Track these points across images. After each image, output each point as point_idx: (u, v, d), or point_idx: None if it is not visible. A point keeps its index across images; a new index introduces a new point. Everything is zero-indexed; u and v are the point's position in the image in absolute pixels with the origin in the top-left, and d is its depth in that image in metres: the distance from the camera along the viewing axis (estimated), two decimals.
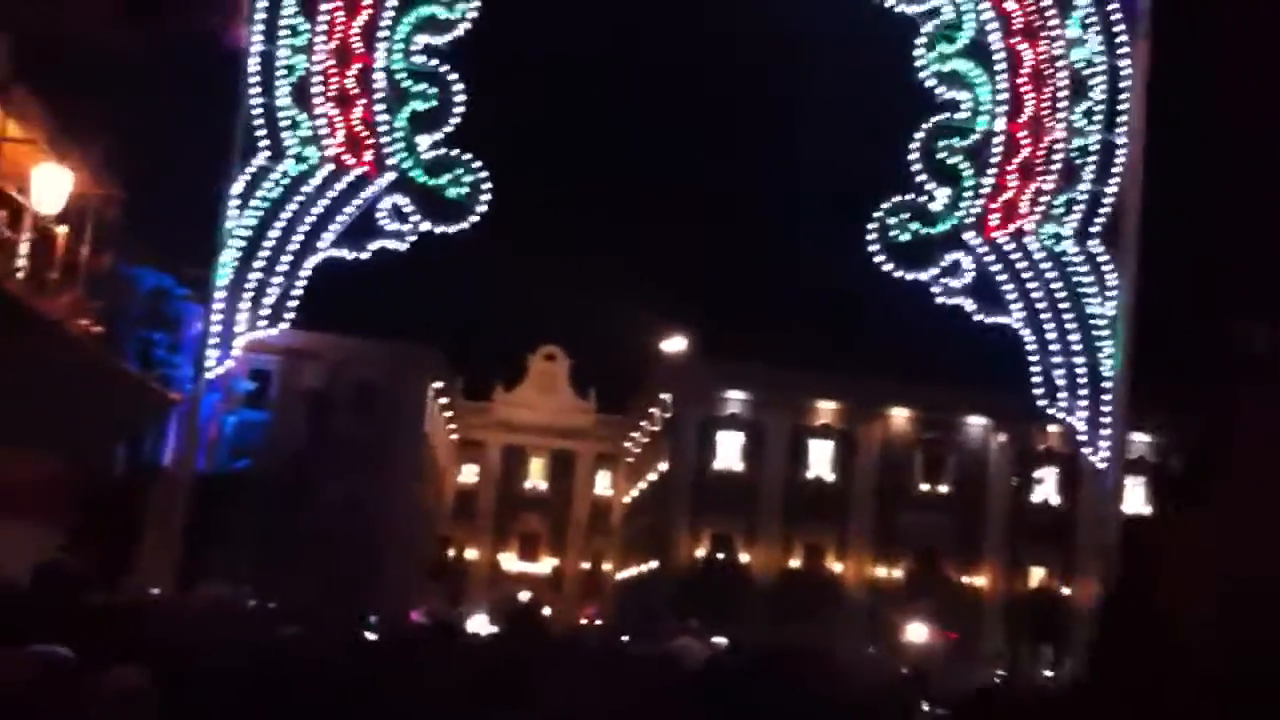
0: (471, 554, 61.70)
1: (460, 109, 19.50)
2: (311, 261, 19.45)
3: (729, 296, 56.68)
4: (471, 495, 63.11)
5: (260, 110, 19.25)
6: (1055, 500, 47.50)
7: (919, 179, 20.19)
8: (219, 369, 19.68)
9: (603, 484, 64.24)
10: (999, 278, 20.27)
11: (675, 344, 46.78)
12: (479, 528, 62.28)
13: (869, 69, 21.46)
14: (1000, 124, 20.04)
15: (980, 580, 48.37)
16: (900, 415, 49.16)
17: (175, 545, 19.34)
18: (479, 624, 34.87)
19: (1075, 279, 20.10)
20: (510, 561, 62.83)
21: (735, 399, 49.27)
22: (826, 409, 49.16)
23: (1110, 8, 19.70)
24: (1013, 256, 20.20)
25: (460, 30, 19.66)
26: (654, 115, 67.40)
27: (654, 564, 49.93)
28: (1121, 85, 19.69)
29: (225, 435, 38.93)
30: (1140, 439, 36.37)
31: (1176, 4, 19.05)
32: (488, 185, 19.60)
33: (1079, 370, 20.25)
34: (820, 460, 49.16)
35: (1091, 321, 20.19)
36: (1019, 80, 19.97)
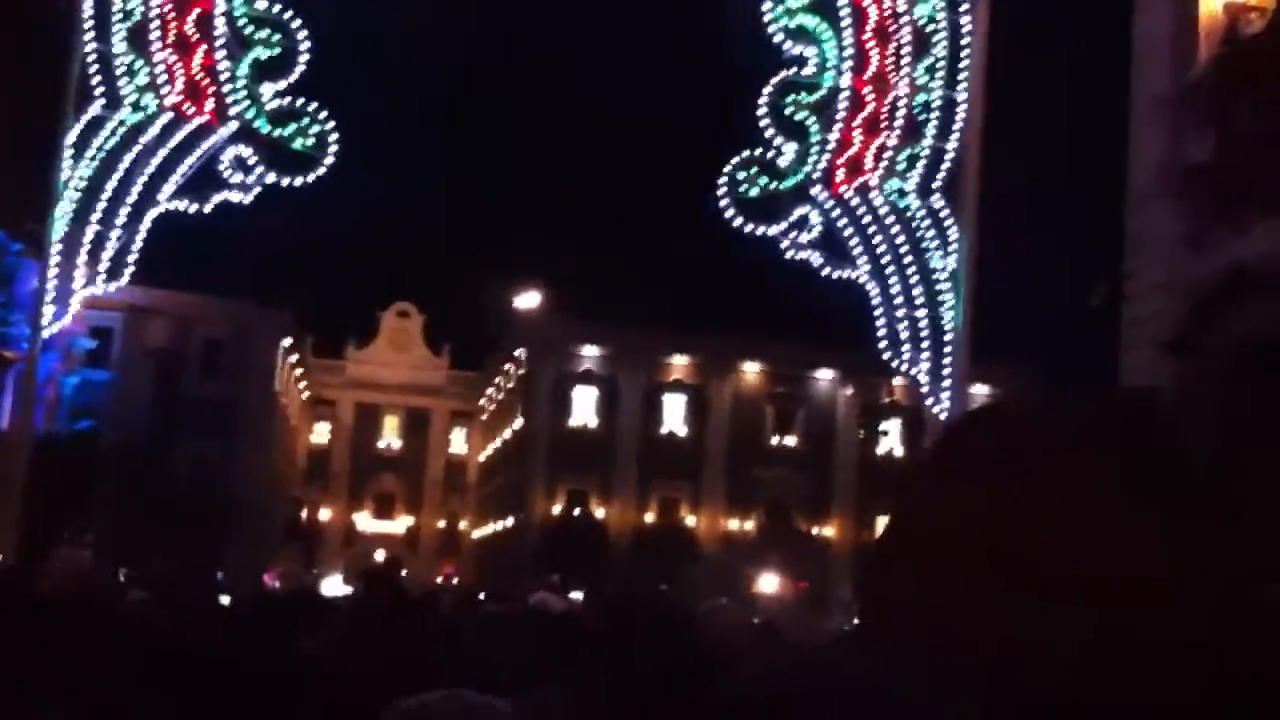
0: (325, 514, 61.07)
1: (305, 57, 19.15)
2: (151, 214, 18.94)
3: (583, 252, 56.72)
4: (324, 455, 62.36)
5: (95, 57, 18.64)
6: (900, 452, 48.75)
7: (767, 134, 20.46)
8: (55, 326, 19.11)
9: (458, 442, 63.99)
10: (845, 232, 20.66)
11: (529, 300, 46.74)
12: (333, 488, 61.60)
13: (717, 27, 21.61)
14: (846, 80, 20.37)
15: (829, 531, 49.48)
16: (751, 370, 49.91)
17: (15, 511, 18.79)
18: (334, 585, 34.55)
19: (918, 234, 20.58)
20: (365, 521, 62.31)
21: (590, 355, 49.46)
22: (680, 364, 49.67)
23: None
24: (858, 211, 20.59)
25: None
26: (508, 70, 66.88)
27: (511, 521, 50.01)
28: (963, 42, 20.16)
29: (65, 396, 37.83)
30: (980, 391, 37.49)
31: None
32: (335, 136, 19.31)
33: (921, 324, 20.77)
34: (674, 415, 49.69)
35: (933, 276, 20.70)
36: (863, 36, 20.30)
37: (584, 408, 49.47)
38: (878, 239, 20.48)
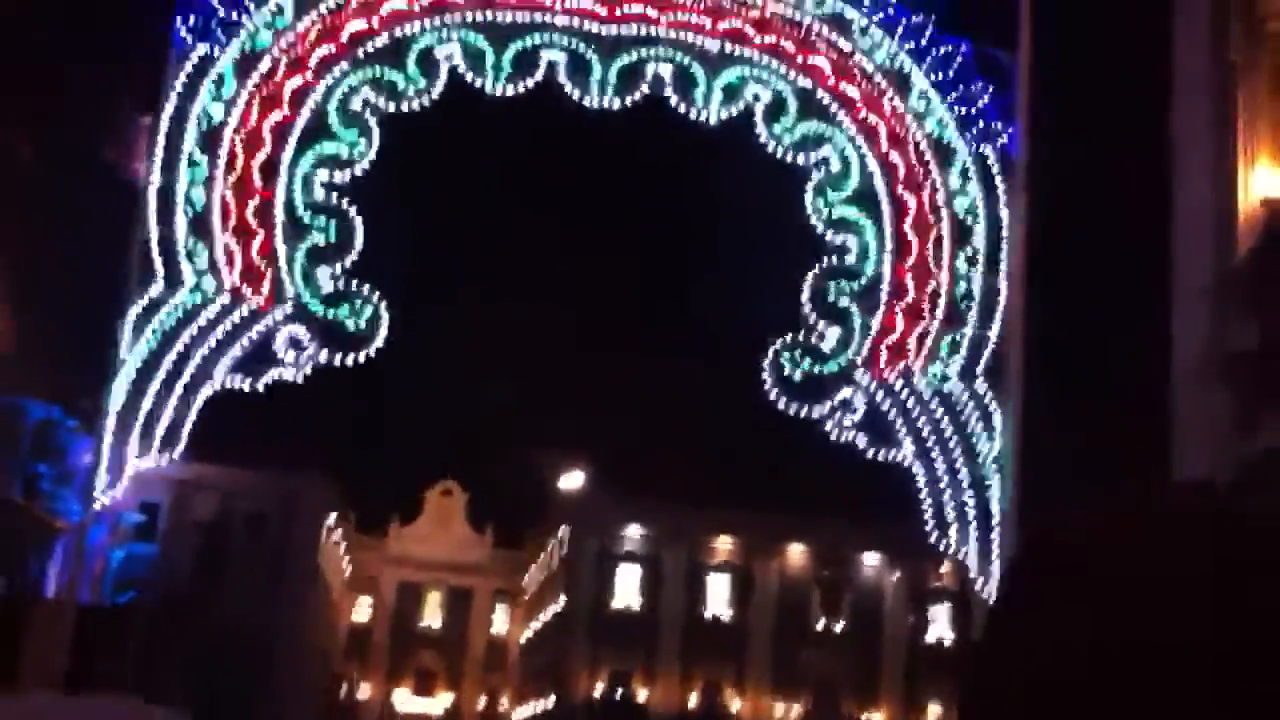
0: (364, 692, 60.30)
1: (359, 243, 19.72)
2: (205, 392, 19.33)
3: (628, 432, 56.95)
4: (366, 632, 61.90)
5: (157, 238, 19.27)
6: (949, 636, 47.81)
7: (810, 319, 20.76)
8: (106, 499, 19.35)
9: (500, 620, 63.42)
10: (889, 415, 20.75)
11: (573, 479, 46.80)
12: (373, 664, 60.98)
13: (762, 214, 22.13)
14: (887, 267, 20.72)
15: (878, 717, 48.28)
16: (797, 551, 49.42)
17: (56, 679, 18.78)
18: None
19: (962, 417, 20.64)
20: (404, 699, 61.47)
21: (633, 534, 49.21)
22: (724, 545, 49.28)
23: (989, 161, 20.61)
24: (902, 395, 20.73)
25: (359, 168, 19.98)
26: (552, 249, 68.23)
27: (552, 701, 49.19)
28: (1003, 232, 20.51)
29: (111, 569, 37.96)
30: None
31: (1050, 152, 19.97)
32: (385, 316, 19.75)
33: (968, 505, 20.68)
34: (718, 596, 49.09)
35: (979, 458, 20.68)
36: (904, 227, 20.72)
37: (627, 587, 49.03)
38: (921, 421, 20.57)
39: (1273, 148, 13.05)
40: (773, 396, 20.71)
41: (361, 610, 62.51)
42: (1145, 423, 14.60)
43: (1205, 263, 13.89)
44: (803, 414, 20.76)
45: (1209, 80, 13.91)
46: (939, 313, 20.66)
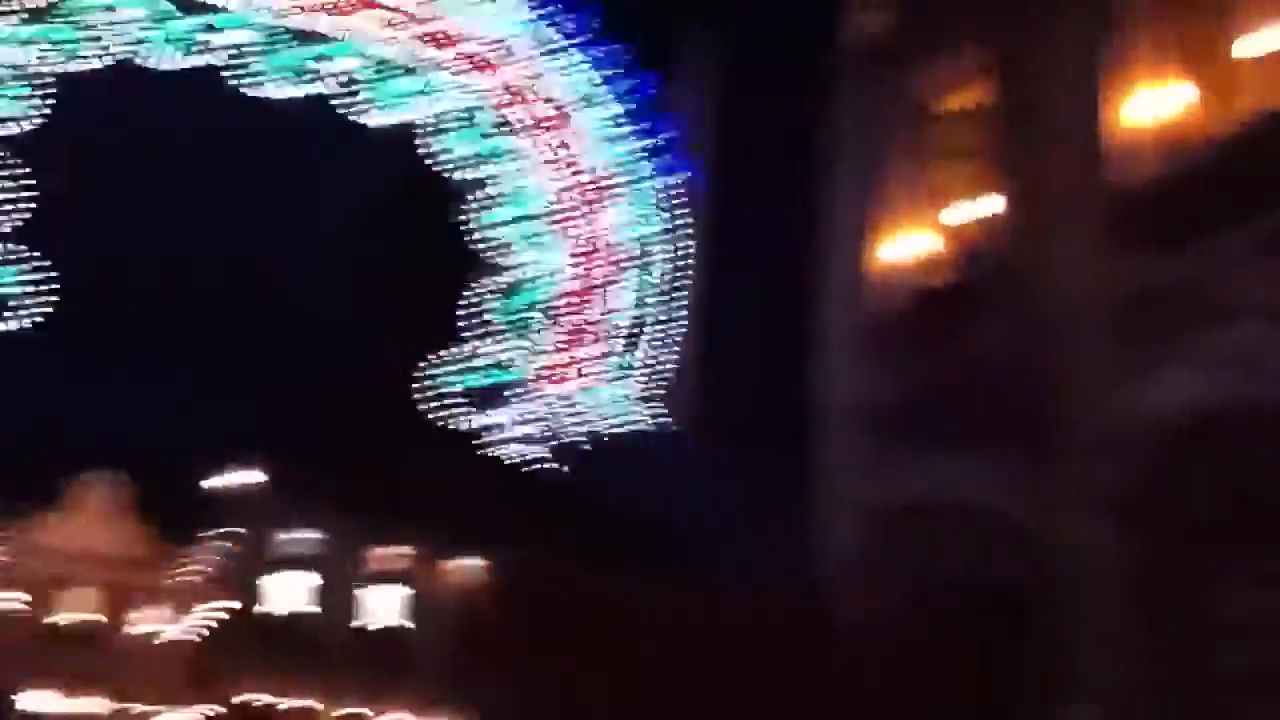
0: None
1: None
2: None
3: (298, 434, 55.16)
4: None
5: None
6: None
7: (481, 333, 20.87)
8: None
9: (151, 618, 60.48)
10: (560, 430, 21.11)
11: (238, 476, 45.09)
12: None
13: (436, 227, 22.03)
14: (562, 287, 21.12)
15: None
16: (467, 564, 49.19)
17: None
18: None
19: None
20: (45, 701, 57.86)
21: (299, 537, 47.82)
22: (391, 554, 48.48)
23: (668, 191, 21.22)
24: (573, 412, 21.08)
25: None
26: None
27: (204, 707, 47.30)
28: (676, 261, 21.18)
29: None
30: None
31: (723, 190, 20.78)
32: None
33: None
34: (384, 606, 48.29)
35: None
36: (583, 249, 21.17)
37: (288, 592, 47.54)
38: (589, 445, 21.00)
39: (910, 211, 14.01)
40: (439, 408, 20.73)
41: None
42: (791, 467, 15.34)
43: (850, 316, 14.70)
44: (470, 427, 20.87)
45: (860, 147, 14.80)
46: (613, 336, 21.11)
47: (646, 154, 21.16)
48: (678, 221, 21.24)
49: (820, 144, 15.41)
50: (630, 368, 21.12)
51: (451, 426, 20.63)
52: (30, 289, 18.97)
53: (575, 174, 21.15)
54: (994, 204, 12.68)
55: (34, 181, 19.26)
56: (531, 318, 20.99)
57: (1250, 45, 10.17)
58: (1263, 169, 9.43)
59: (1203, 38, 10.74)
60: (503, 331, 20.89)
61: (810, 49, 15.99)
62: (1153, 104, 10.73)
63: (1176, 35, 10.81)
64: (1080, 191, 11.45)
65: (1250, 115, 10.04)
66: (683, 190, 21.14)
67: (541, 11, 21.48)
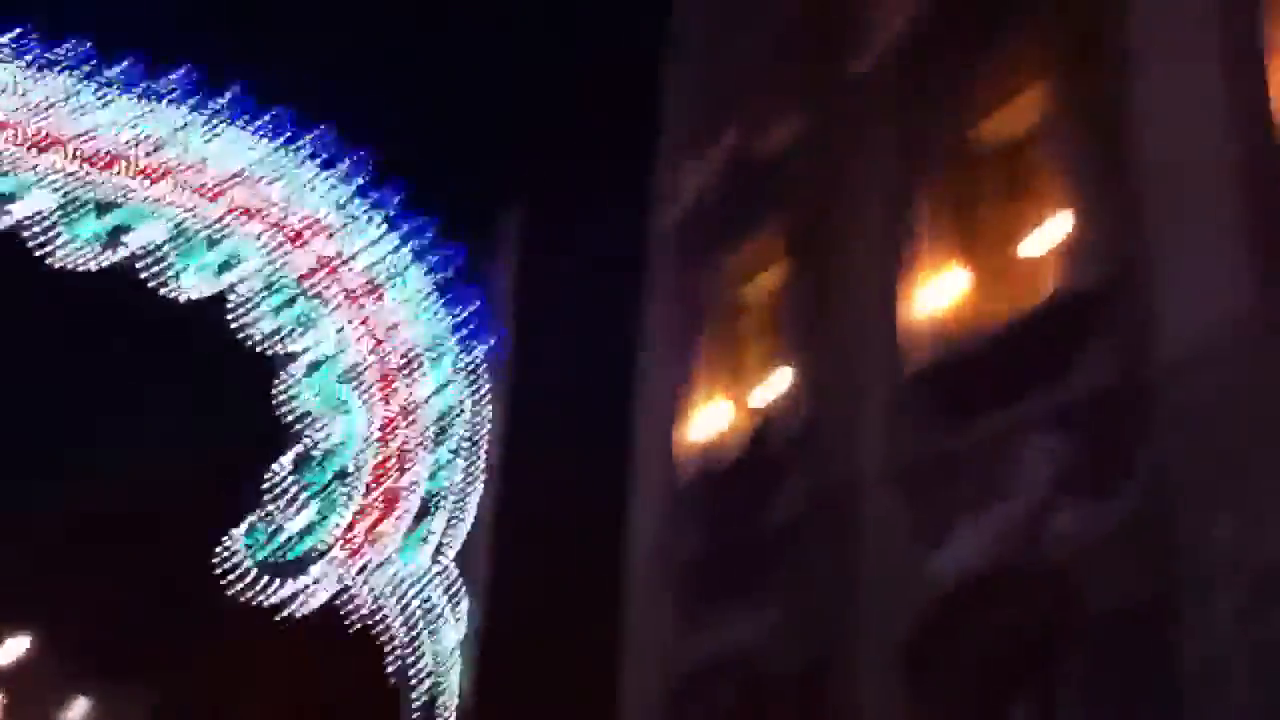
0: None
1: None
2: None
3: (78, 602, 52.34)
4: None
5: None
6: None
7: (283, 500, 20.65)
8: None
9: None
10: (357, 599, 20.86)
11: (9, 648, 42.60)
12: None
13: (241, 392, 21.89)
14: (367, 455, 21.10)
15: None
16: None
17: None
18: None
19: (427, 606, 21.07)
20: None
21: (79, 711, 45.13)
22: None
23: (474, 362, 21.61)
24: (370, 581, 20.92)
25: None
26: None
27: None
28: (481, 431, 21.46)
29: None
30: None
31: (532, 364, 21.27)
32: None
33: (434, 695, 20.97)
34: None
35: (439, 651, 21.13)
36: (387, 416, 21.24)
37: None
38: (387, 609, 20.79)
39: (717, 383, 14.75)
40: (235, 577, 20.30)
41: None
42: (599, 628, 15.60)
43: (659, 481, 15.24)
44: (268, 593, 20.47)
45: (671, 323, 15.56)
46: (414, 503, 21.16)
47: (454, 326, 21.61)
48: (483, 393, 21.64)
49: (631, 319, 16.13)
50: (427, 538, 21.18)
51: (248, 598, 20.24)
52: None
53: (383, 345, 21.41)
54: (796, 379, 13.45)
55: None
56: (334, 487, 20.93)
57: (1030, 240, 11.26)
58: (1039, 353, 10.33)
59: (987, 231, 11.83)
60: (304, 501, 20.76)
61: (623, 227, 16.83)
62: (942, 290, 11.68)
63: (964, 228, 11.87)
64: (876, 369, 12.25)
65: (1027, 303, 11.05)
66: (489, 362, 21.61)
67: (352, 185, 21.97)
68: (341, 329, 21.45)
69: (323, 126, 21.67)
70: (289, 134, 21.73)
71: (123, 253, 20.90)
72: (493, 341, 21.51)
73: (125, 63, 22.33)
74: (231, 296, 21.50)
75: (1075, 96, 10.79)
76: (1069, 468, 9.85)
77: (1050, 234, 10.82)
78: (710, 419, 14.70)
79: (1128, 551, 9.20)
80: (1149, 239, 9.73)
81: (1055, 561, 9.80)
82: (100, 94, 21.26)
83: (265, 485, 20.60)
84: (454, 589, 21.03)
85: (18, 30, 20.71)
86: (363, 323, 21.45)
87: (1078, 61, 10.79)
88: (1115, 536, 9.33)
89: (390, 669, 20.86)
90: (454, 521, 21.21)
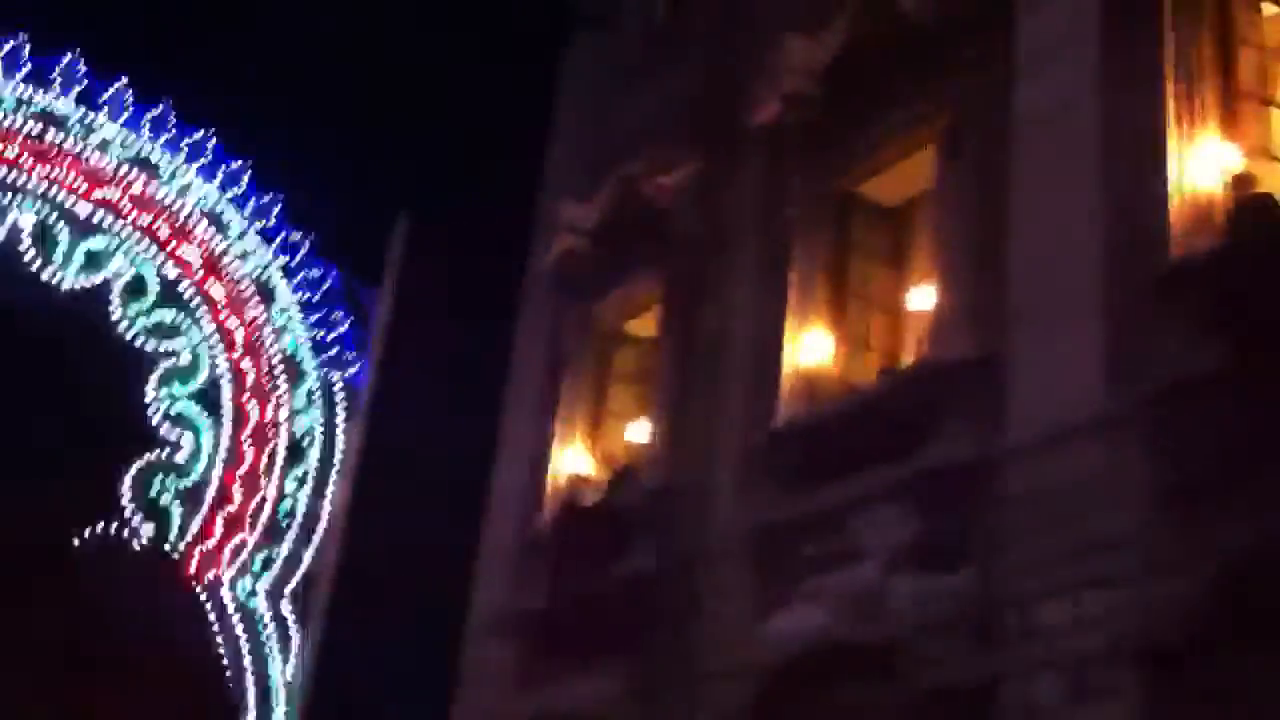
0: None
1: None
2: None
3: None
4: None
5: None
6: None
7: (126, 512, 20.07)
8: None
9: None
10: (190, 625, 20.15)
11: None
12: None
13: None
14: (216, 472, 20.43)
15: None
16: None
17: None
18: None
19: (261, 635, 20.38)
20: None
21: None
22: None
23: (336, 388, 21.07)
24: (207, 603, 20.22)
25: None
26: None
27: None
28: (336, 459, 20.87)
29: None
30: None
31: (396, 395, 20.81)
32: None
33: None
34: None
35: (270, 682, 20.41)
36: (241, 435, 20.61)
37: None
38: (220, 637, 20.05)
39: (579, 430, 14.46)
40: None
41: None
42: (435, 676, 15.15)
43: (511, 525, 14.85)
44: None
45: (540, 364, 15.26)
46: (259, 527, 20.51)
47: (321, 347, 21.09)
48: (342, 419, 21.08)
49: (502, 355, 15.80)
50: (274, 560, 20.54)
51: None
52: None
53: (244, 360, 20.81)
54: (659, 430, 13.20)
55: None
56: (184, 499, 20.31)
57: (901, 307, 11.21)
58: (895, 422, 10.22)
59: (861, 294, 11.79)
60: (157, 510, 20.15)
61: (503, 262, 16.54)
62: (810, 350, 11.56)
63: (838, 289, 11.80)
64: (736, 427, 12.08)
65: (890, 370, 10.96)
66: (353, 386, 21.07)
67: (228, 193, 21.49)
68: (204, 339, 20.87)
69: (205, 131, 21.22)
70: (170, 133, 21.24)
71: None
72: (357, 368, 21.00)
73: (9, 43, 21.77)
74: (98, 295, 21.06)
75: (958, 171, 10.78)
76: (911, 541, 9.73)
77: (920, 303, 10.76)
78: (571, 465, 14.38)
79: (958, 631, 9.08)
80: (1012, 321, 9.72)
81: (890, 636, 9.63)
82: None
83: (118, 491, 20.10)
84: (289, 622, 20.32)
85: None
86: (227, 335, 20.86)
87: (963, 137, 10.81)
88: (948, 614, 9.21)
89: (216, 702, 20.10)
90: (297, 550, 20.55)
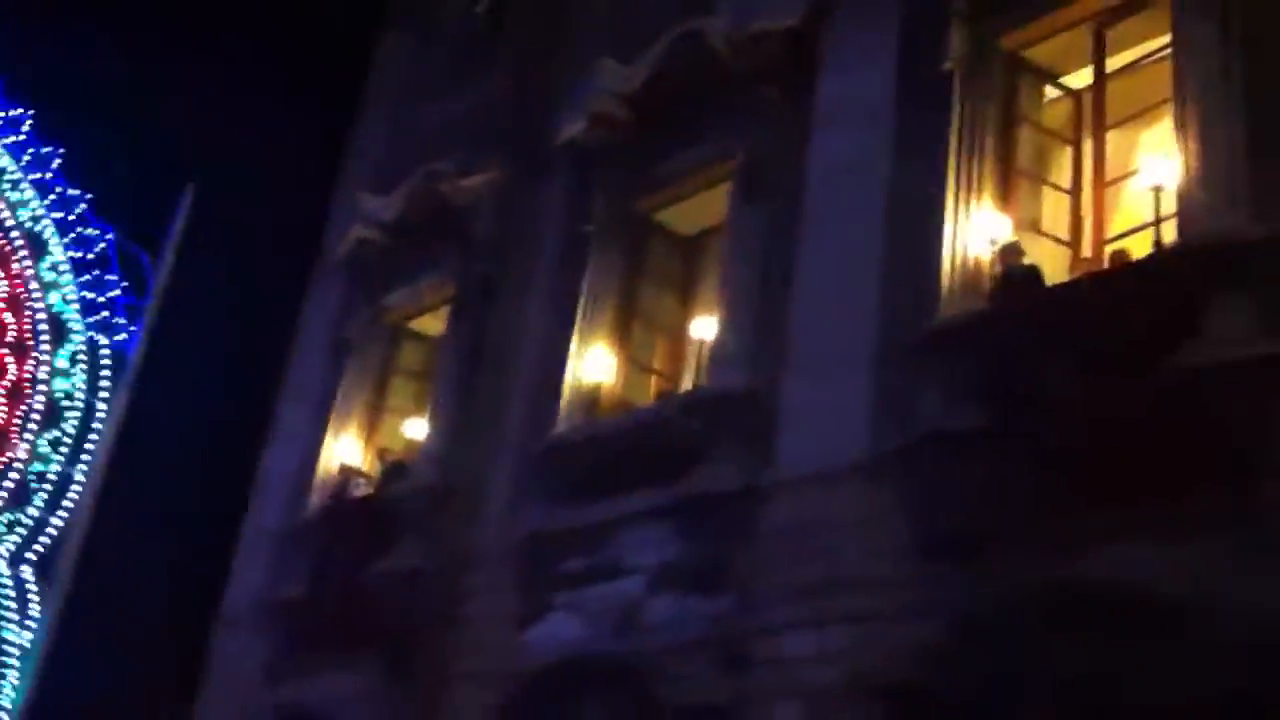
0: None
1: None
2: None
3: None
4: None
5: None
6: None
7: None
8: None
9: None
10: None
11: None
12: None
13: None
14: None
15: None
16: None
17: None
18: None
19: (1, 600, 19.56)
20: None
21: None
22: None
23: (102, 352, 20.36)
24: None
25: None
26: None
27: None
28: (93, 424, 20.14)
29: None
30: None
31: (167, 367, 20.22)
32: None
33: None
34: None
35: (6, 648, 19.60)
36: None
37: None
38: None
39: (356, 423, 14.35)
40: None
41: None
42: (183, 661, 14.78)
43: (278, 511, 14.61)
44: None
45: (322, 351, 15.09)
46: (5, 489, 19.66)
47: (91, 306, 20.33)
48: (105, 382, 20.37)
49: (279, 340, 15.54)
50: (13, 527, 19.70)
51: None
52: None
53: (9, 311, 19.90)
54: (437, 429, 13.21)
55: None
56: None
57: (685, 332, 11.52)
58: (668, 444, 10.50)
59: (648, 316, 12.06)
60: None
61: (293, 247, 16.27)
62: (593, 366, 11.77)
63: (626, 309, 12.04)
64: (513, 435, 12.19)
65: (668, 393, 11.24)
66: (123, 354, 20.38)
67: (6, 139, 20.54)
68: None
69: None
70: None
71: None
72: (128, 335, 20.31)
73: None
74: None
75: (750, 211, 11.13)
76: (673, 562, 10.00)
77: (703, 332, 11.07)
78: (345, 455, 14.25)
79: (709, 653, 9.37)
80: (788, 358, 10.08)
81: (641, 652, 9.88)
82: None
83: None
84: (30, 588, 19.52)
85: None
86: None
87: (758, 178, 11.16)
88: (701, 636, 9.49)
89: None
90: (46, 514, 19.77)
